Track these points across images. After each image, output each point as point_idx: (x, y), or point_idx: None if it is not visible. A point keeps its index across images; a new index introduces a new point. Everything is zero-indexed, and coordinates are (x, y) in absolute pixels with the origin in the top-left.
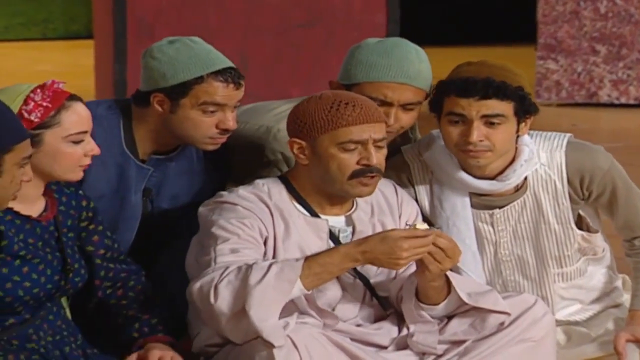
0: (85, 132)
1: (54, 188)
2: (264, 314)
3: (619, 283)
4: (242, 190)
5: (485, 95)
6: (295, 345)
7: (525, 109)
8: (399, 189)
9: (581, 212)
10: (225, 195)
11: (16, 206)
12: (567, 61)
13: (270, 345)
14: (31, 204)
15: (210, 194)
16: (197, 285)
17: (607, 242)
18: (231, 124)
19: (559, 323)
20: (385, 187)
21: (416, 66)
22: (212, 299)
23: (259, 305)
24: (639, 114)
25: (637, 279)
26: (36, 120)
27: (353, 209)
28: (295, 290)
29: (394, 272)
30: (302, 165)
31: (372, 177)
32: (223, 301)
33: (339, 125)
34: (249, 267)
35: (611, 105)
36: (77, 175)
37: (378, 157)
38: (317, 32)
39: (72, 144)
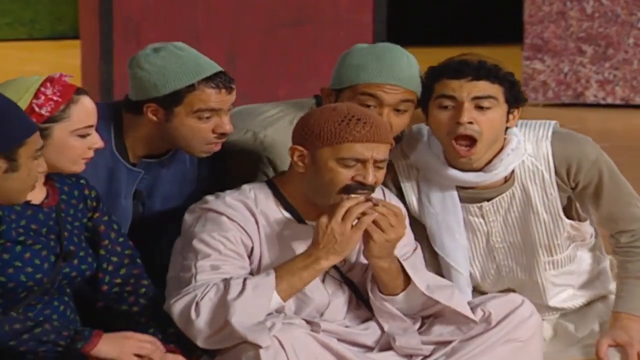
0: (92, 126)
1: (55, 178)
2: (247, 321)
3: (606, 264)
4: (229, 197)
5: (477, 76)
6: (283, 345)
7: (515, 96)
8: (386, 191)
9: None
10: (211, 201)
11: None
12: (554, 61)
13: (257, 347)
14: (32, 191)
15: (203, 195)
16: (178, 302)
17: (594, 224)
18: (228, 127)
19: (552, 311)
20: None
21: (407, 70)
22: (193, 316)
23: (240, 315)
24: (625, 114)
25: (622, 279)
26: (46, 114)
27: None
28: (273, 303)
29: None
30: (296, 172)
31: (362, 194)
32: (203, 318)
33: (345, 140)
34: (227, 283)
35: (598, 105)
36: (80, 167)
37: (375, 176)
38: (305, 32)
39: (79, 138)
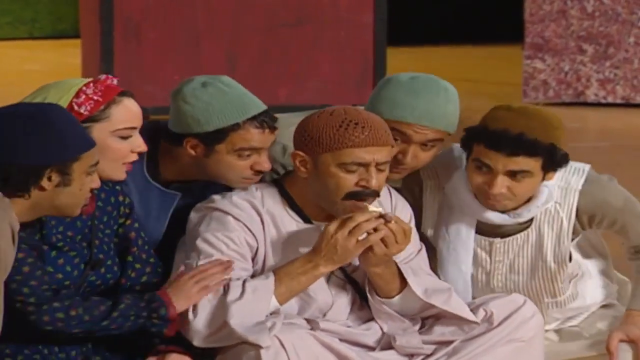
0: (134, 128)
1: None
2: (246, 322)
3: (614, 290)
4: (235, 196)
5: (514, 152)
6: (283, 345)
7: (554, 164)
8: (394, 193)
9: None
10: (218, 200)
11: None
12: (554, 60)
13: (257, 347)
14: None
15: None
16: None
17: (606, 251)
18: (266, 165)
19: (555, 328)
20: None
21: (442, 109)
22: (190, 316)
23: (239, 317)
24: (625, 113)
25: (637, 280)
26: (85, 113)
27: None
28: (271, 306)
29: None
30: (300, 177)
31: (366, 199)
32: (201, 319)
33: (345, 145)
34: (226, 285)
35: (598, 104)
36: (121, 174)
37: (378, 179)
38: (305, 32)
39: (120, 139)
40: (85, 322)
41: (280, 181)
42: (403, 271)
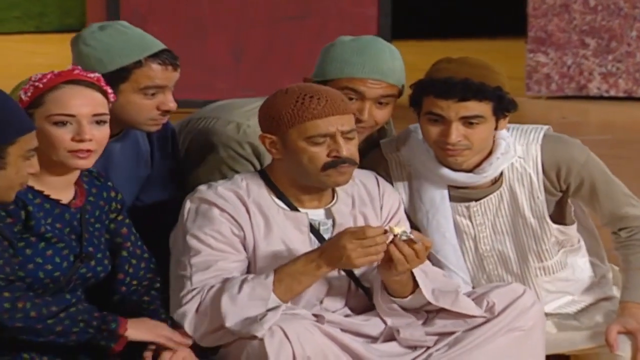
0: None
1: (85, 179)
2: (241, 320)
3: (608, 273)
4: (221, 187)
5: (464, 97)
6: (287, 335)
7: (503, 108)
8: (380, 180)
9: (571, 202)
10: (203, 191)
11: (46, 190)
12: (557, 54)
13: (257, 337)
14: (62, 190)
15: (160, 180)
16: (180, 310)
17: (594, 230)
18: (172, 104)
19: (549, 316)
20: (366, 178)
21: (389, 63)
22: (186, 325)
23: (235, 318)
24: (627, 106)
25: (626, 271)
26: (25, 98)
27: (333, 202)
28: (271, 303)
29: (375, 263)
30: (276, 159)
31: (346, 166)
32: (202, 323)
33: (305, 118)
34: (221, 287)
35: (600, 97)
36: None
37: (348, 149)
38: (310, 25)
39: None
40: (30, 318)
41: (264, 171)
42: (416, 275)
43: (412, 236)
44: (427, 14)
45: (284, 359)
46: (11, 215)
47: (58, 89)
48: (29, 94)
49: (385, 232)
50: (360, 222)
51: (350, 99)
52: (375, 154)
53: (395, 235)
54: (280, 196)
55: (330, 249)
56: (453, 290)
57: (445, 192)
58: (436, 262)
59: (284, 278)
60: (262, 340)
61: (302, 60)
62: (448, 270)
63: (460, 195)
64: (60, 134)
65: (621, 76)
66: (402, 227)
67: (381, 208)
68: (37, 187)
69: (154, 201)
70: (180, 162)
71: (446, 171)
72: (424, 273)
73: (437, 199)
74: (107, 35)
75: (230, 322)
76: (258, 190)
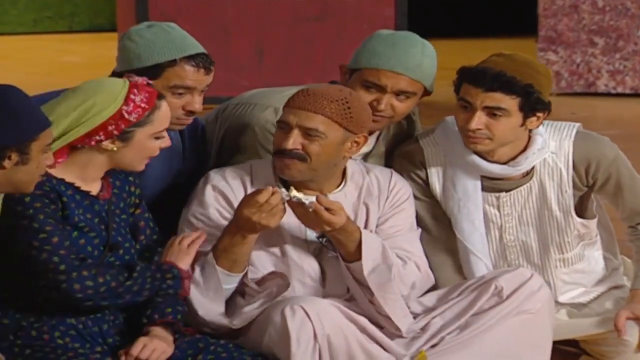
0: (167, 128)
1: (110, 173)
2: (211, 310)
3: (619, 267)
4: (229, 170)
5: (491, 87)
6: (308, 314)
7: (531, 106)
8: (395, 176)
9: (593, 197)
10: (212, 175)
11: (77, 182)
12: (567, 53)
13: (283, 315)
14: (91, 182)
15: (190, 173)
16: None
17: (610, 226)
18: (197, 106)
19: (562, 305)
20: (382, 173)
21: (418, 59)
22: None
23: (203, 306)
24: (634, 103)
25: (638, 261)
26: (134, 120)
27: (339, 189)
28: (227, 278)
29: None
30: None
31: (287, 159)
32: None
33: (285, 105)
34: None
35: (608, 94)
36: (143, 166)
37: (295, 142)
38: (329, 25)
39: (155, 140)
40: (112, 288)
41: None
42: (363, 244)
43: (303, 200)
44: (441, 14)
45: (305, 336)
46: (54, 202)
47: (160, 108)
48: (137, 115)
49: (274, 193)
50: (362, 212)
51: (370, 88)
52: (412, 144)
53: (290, 198)
54: (284, 183)
55: (241, 222)
56: (390, 279)
57: (478, 182)
58: (463, 249)
59: (221, 254)
60: (284, 319)
61: (322, 58)
62: (472, 257)
63: (492, 185)
64: (156, 144)
65: (628, 74)
66: (299, 193)
67: (385, 200)
68: (68, 179)
69: (184, 194)
70: (208, 157)
71: (481, 162)
72: (374, 247)
73: (470, 188)
74: (152, 32)
75: (202, 312)
76: (265, 176)
